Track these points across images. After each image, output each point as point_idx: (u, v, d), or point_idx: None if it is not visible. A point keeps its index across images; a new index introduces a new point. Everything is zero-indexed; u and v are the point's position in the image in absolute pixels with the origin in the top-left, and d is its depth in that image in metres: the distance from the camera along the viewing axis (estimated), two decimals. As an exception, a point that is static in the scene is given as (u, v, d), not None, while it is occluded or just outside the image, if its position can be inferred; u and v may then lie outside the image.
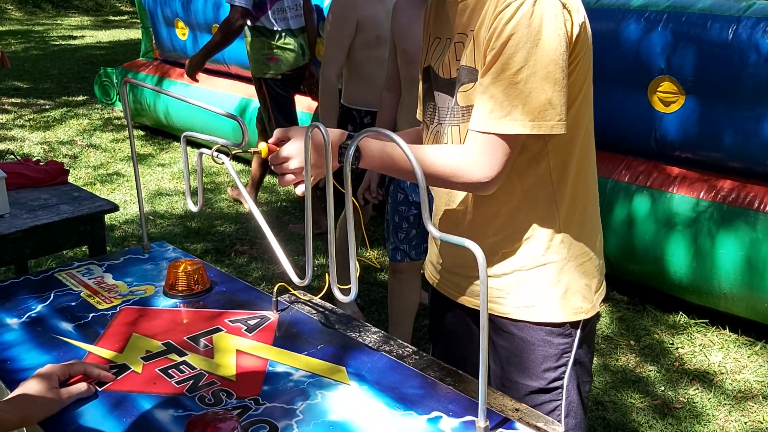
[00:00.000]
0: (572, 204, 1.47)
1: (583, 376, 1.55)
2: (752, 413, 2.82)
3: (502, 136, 1.33)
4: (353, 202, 1.36)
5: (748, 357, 3.17)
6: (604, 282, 1.59)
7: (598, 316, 1.57)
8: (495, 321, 1.54)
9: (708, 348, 3.26)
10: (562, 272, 1.48)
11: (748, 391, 2.95)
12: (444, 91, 1.48)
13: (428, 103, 1.54)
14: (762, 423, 2.75)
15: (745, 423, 2.76)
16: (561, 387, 1.52)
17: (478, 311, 1.56)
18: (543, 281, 1.48)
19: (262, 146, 1.44)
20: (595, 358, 3.17)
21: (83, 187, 3.04)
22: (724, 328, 3.38)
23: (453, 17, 1.45)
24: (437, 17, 1.52)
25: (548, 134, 1.34)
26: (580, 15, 1.36)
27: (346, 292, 1.30)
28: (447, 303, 1.66)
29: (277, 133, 1.42)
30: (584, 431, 1.58)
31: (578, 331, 1.51)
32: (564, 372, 1.51)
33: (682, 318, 3.49)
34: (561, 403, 1.53)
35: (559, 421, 1.52)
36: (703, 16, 3.16)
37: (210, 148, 1.55)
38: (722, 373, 3.07)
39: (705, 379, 3.04)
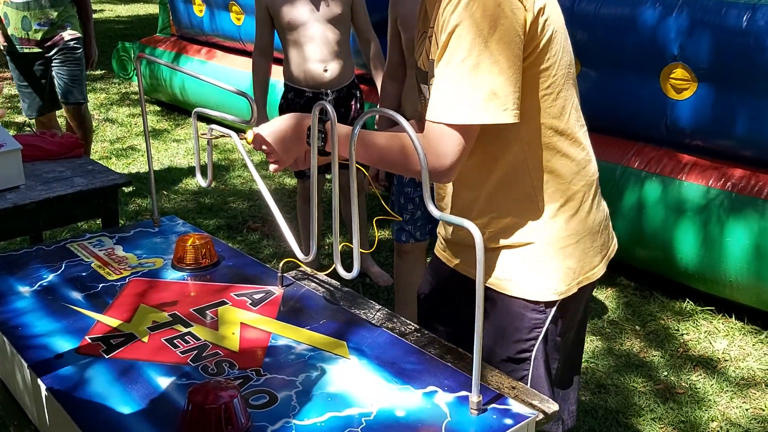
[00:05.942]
0: (554, 189, 1.49)
1: (552, 354, 1.59)
2: (754, 400, 2.84)
3: (451, 126, 1.35)
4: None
5: (753, 345, 3.19)
6: (600, 265, 1.60)
7: (576, 298, 1.58)
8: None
9: (713, 335, 3.27)
10: (542, 253, 1.51)
11: (751, 379, 2.97)
12: (426, 83, 1.52)
13: (421, 96, 1.60)
14: (764, 410, 2.77)
15: (747, 410, 2.78)
16: (529, 359, 1.57)
17: (468, 278, 1.62)
18: (524, 260, 1.52)
19: (250, 134, 1.52)
20: (599, 342, 3.21)
21: (99, 161, 3.08)
22: (730, 316, 3.39)
23: (430, 12, 1.48)
24: (425, 12, 1.56)
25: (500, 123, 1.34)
26: (538, 1, 1.35)
27: (348, 270, 1.35)
28: (442, 267, 1.73)
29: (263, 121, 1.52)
30: None
31: (553, 309, 1.54)
32: (533, 345, 1.55)
33: (688, 305, 3.50)
34: (528, 374, 1.57)
35: None
36: (719, 3, 3.14)
37: (220, 124, 1.60)
38: (726, 360, 3.09)
39: (709, 365, 3.06)
